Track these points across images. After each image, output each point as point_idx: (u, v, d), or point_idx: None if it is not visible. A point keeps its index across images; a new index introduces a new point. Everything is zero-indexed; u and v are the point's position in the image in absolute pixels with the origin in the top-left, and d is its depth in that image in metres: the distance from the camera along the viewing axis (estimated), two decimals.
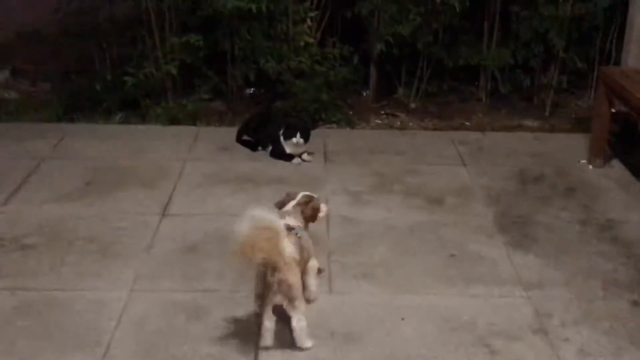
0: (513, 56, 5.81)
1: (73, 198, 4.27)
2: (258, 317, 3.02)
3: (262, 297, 2.96)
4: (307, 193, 3.29)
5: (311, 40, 5.57)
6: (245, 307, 3.21)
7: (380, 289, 3.45)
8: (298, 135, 4.77)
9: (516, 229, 4.03)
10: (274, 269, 2.85)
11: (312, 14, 5.56)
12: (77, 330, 3.09)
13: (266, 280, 2.89)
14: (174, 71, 5.51)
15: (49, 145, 5.01)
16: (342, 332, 3.12)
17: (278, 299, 2.88)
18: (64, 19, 5.73)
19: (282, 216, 3.12)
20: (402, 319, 3.21)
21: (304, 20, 5.57)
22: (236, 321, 3.15)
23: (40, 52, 6.40)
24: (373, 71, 5.92)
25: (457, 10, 5.36)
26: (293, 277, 2.89)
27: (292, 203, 3.22)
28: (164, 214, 4.11)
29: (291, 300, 2.87)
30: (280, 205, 3.24)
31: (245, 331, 3.08)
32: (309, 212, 3.23)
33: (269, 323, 2.93)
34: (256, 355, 2.94)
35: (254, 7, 5.32)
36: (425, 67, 5.85)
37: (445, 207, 4.28)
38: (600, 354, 3.02)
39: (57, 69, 6.16)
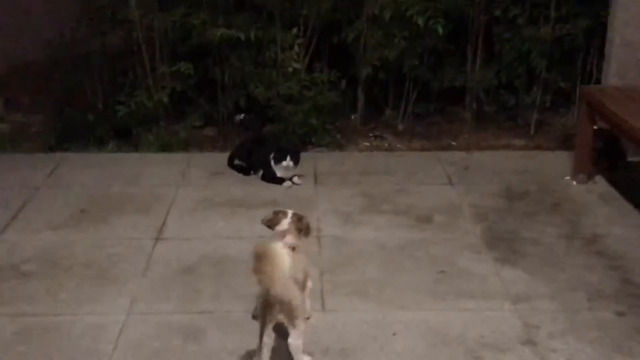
0: (497, 77, 5.95)
1: (69, 225, 4.34)
2: (255, 335, 3.08)
3: (263, 315, 3.01)
4: (293, 211, 3.36)
5: (299, 66, 5.69)
6: (240, 326, 3.29)
7: (372, 305, 3.54)
8: (288, 158, 4.87)
9: (504, 245, 4.13)
10: (276, 288, 2.92)
11: (299, 41, 5.69)
12: (75, 354, 3.16)
13: (268, 299, 2.95)
14: (165, 99, 5.62)
15: (43, 174, 5.09)
16: (336, 349, 3.20)
17: (280, 317, 2.94)
18: (55, 50, 5.83)
19: (280, 235, 3.20)
20: (394, 334, 3.29)
21: (291, 47, 5.70)
22: (232, 341, 3.22)
23: (31, 83, 6.52)
24: (360, 95, 6.04)
25: (441, 33, 5.49)
26: (295, 297, 2.96)
27: (286, 220, 3.28)
28: (158, 238, 4.19)
29: (292, 319, 2.94)
30: (270, 223, 3.30)
31: (241, 350, 3.15)
32: (304, 228, 3.28)
33: (268, 339, 2.99)
34: None
35: (242, 35, 5.46)
36: (412, 90, 5.98)
37: (434, 225, 4.37)
38: None
39: (49, 100, 6.25)
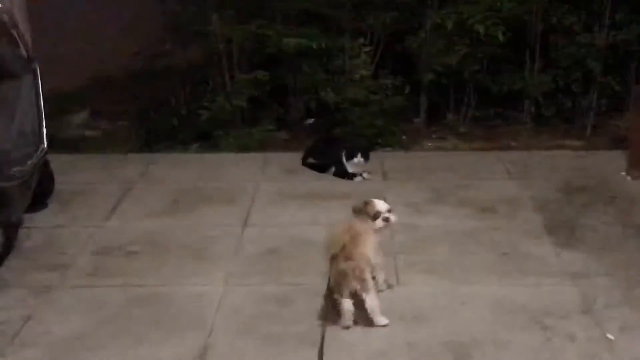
0: (554, 81, 6.29)
1: (165, 214, 4.83)
2: (334, 303, 3.47)
3: (339, 285, 3.42)
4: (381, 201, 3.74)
5: (366, 72, 6.13)
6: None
7: (442, 281, 3.92)
8: (359, 155, 5.29)
9: (562, 231, 4.46)
10: (347, 258, 3.35)
11: (366, 49, 6.13)
12: (183, 316, 3.61)
13: (340, 269, 3.38)
14: (243, 104, 6.11)
15: (137, 172, 5.60)
16: (410, 316, 3.58)
17: (353, 284, 3.37)
18: (142, 62, 6.37)
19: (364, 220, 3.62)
20: (463, 303, 3.66)
21: (358, 55, 6.15)
22: (318, 307, 3.63)
23: (115, 93, 7.09)
24: (423, 99, 6.44)
25: (501, 40, 5.86)
26: (364, 264, 3.39)
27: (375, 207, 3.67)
28: (245, 224, 4.64)
29: (363, 282, 3.35)
30: (358, 211, 3.68)
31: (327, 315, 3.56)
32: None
33: (348, 305, 3.40)
34: (336, 333, 3.42)
35: (314, 44, 5.92)
36: (472, 94, 6.36)
37: (497, 215, 4.73)
38: None
39: (134, 108, 6.80)
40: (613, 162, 5.61)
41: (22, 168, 4.17)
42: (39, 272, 4.05)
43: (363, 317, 3.44)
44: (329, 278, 3.52)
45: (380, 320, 3.42)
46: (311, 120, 6.43)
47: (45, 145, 4.54)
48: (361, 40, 6.16)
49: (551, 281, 3.89)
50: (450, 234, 4.46)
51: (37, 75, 4.49)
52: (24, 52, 4.45)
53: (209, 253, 4.26)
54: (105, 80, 7.27)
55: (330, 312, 3.50)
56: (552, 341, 3.36)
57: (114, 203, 5.01)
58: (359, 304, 3.42)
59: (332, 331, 3.44)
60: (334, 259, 3.45)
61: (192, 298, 3.77)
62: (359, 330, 3.43)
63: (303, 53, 6.03)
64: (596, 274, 3.95)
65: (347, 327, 3.43)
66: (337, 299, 3.43)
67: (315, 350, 3.31)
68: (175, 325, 3.53)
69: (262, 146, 6.10)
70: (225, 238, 4.44)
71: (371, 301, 3.40)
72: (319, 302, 3.66)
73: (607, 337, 3.37)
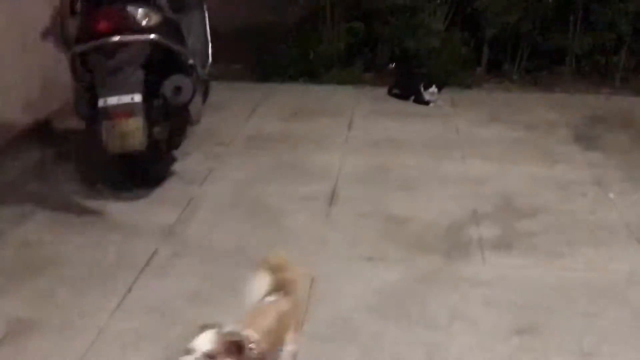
0: (592, 41, 7.76)
1: (288, 120, 6.49)
2: None
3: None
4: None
5: (440, 27, 7.69)
6: (417, 162, 5.36)
7: (495, 163, 5.49)
8: (434, 86, 6.90)
9: (587, 141, 6.00)
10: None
11: (441, 8, 7.70)
12: (315, 173, 5.28)
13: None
14: (341, 48, 7.75)
15: (261, 94, 7.22)
16: (474, 181, 5.19)
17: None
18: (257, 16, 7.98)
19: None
20: (509, 175, 5.26)
21: (435, 12, 7.71)
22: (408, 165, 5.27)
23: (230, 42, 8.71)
24: (485, 51, 7.97)
25: (551, 4, 7.38)
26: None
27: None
28: (349, 128, 6.30)
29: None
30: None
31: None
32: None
33: None
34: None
35: (401, 2, 7.52)
36: (525, 49, 7.87)
37: (538, 130, 6.29)
38: None
39: (249, 54, 8.40)
40: (635, 104, 7.11)
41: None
42: (209, 147, 5.75)
43: None
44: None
45: None
46: (392, 65, 8.02)
47: (210, 60, 6.18)
48: (437, 1, 7.72)
49: (574, 166, 5.46)
50: (502, 140, 6.05)
51: (205, 10, 6.12)
52: None
53: (326, 143, 5.92)
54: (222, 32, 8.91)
55: None
56: (570, 196, 4.95)
57: (249, 112, 6.69)
58: None
59: None
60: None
61: (320, 165, 5.44)
62: None
63: (391, 9, 7.62)
64: (608, 165, 5.49)
65: None
66: None
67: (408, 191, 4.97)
68: (312, 177, 5.21)
69: (355, 82, 7.71)
70: (336, 136, 6.10)
71: None
72: (408, 167, 5.31)
73: (609, 196, 4.94)
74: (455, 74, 7.66)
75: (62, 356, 3.34)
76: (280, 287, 2.92)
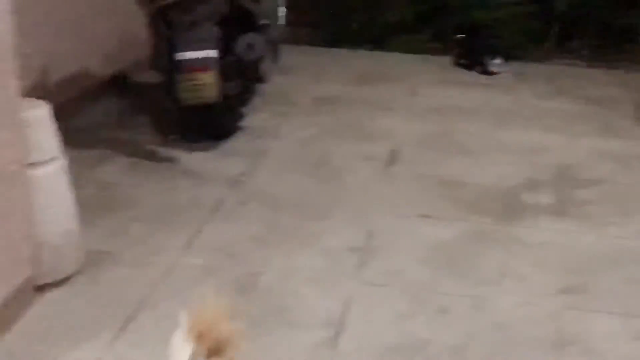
0: None
1: (351, 84, 6.62)
2: None
3: None
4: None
5: None
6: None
7: (554, 134, 5.59)
8: (498, 57, 6.97)
9: None
10: None
11: None
12: (377, 134, 5.48)
13: None
14: (409, 17, 7.86)
15: (327, 56, 7.43)
16: (530, 150, 5.29)
17: None
18: None
19: None
20: (569, 143, 5.35)
21: None
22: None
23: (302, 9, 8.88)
24: (554, 26, 7.97)
25: None
26: None
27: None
28: (413, 94, 6.44)
29: None
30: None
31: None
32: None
33: None
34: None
35: None
36: (595, 25, 7.85)
37: (601, 105, 6.29)
38: None
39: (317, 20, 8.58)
40: None
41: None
42: (277, 105, 5.99)
43: None
44: None
45: None
46: (461, 35, 8.08)
47: (283, 23, 6.38)
48: None
49: (635, 142, 5.51)
50: (565, 112, 6.11)
51: None
52: None
53: (389, 107, 6.08)
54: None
55: None
56: (627, 169, 5.04)
57: (317, 75, 6.88)
58: None
59: None
60: None
61: (382, 127, 5.63)
62: None
63: None
64: None
65: None
66: None
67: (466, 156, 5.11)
68: (373, 138, 5.41)
69: (422, 50, 7.82)
70: (399, 101, 6.25)
71: None
72: (468, 133, 5.45)
73: None
74: (523, 47, 7.70)
75: (134, 287, 3.64)
76: (212, 353, 2.19)
